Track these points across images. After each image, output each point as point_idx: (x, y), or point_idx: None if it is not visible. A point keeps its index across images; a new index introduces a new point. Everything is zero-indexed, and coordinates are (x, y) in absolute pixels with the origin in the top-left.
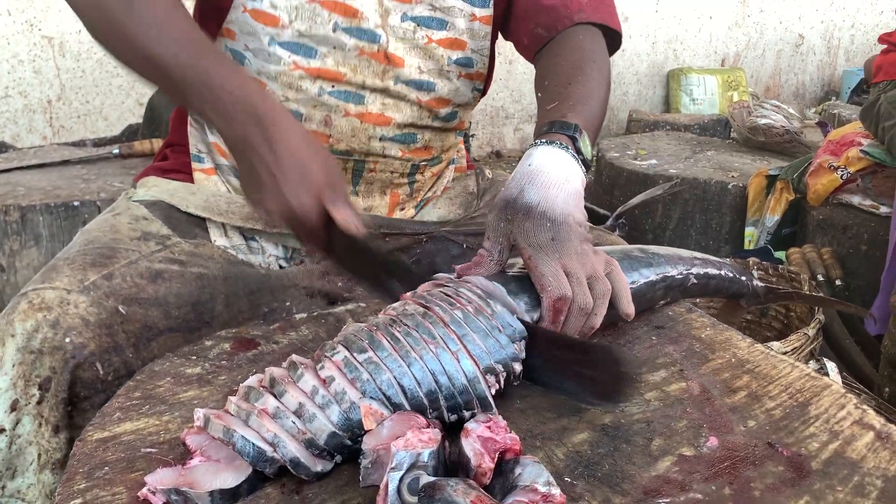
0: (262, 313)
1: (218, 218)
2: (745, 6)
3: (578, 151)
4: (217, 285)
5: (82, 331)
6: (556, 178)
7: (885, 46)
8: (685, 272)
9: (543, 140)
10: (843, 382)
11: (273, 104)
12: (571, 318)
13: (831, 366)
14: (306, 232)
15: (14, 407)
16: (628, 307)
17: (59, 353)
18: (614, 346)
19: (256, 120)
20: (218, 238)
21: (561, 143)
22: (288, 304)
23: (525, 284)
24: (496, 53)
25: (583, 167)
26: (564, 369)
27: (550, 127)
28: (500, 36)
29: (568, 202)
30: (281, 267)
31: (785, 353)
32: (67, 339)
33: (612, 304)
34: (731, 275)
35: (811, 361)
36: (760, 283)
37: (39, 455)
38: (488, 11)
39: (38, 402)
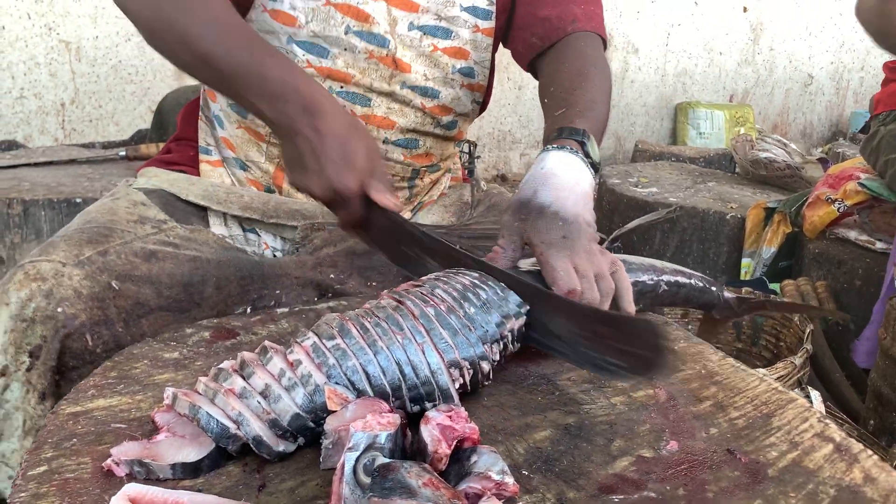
0: (251, 299)
1: (217, 207)
2: (755, 44)
3: (587, 155)
4: (209, 268)
5: (74, 302)
6: (567, 180)
7: (884, 76)
8: (655, 279)
9: (555, 145)
10: (826, 412)
11: (320, 91)
12: None
13: (815, 394)
14: (346, 211)
15: (4, 373)
16: (629, 306)
17: (51, 322)
18: (649, 319)
19: (304, 106)
20: (217, 227)
21: (571, 148)
22: (278, 292)
23: (534, 279)
24: (505, 78)
25: (591, 170)
26: (598, 343)
27: (560, 133)
28: (506, 58)
29: (578, 203)
30: (275, 257)
31: None
32: (59, 309)
33: (615, 303)
34: (700, 284)
35: (796, 390)
36: (731, 295)
37: (25, 421)
38: (491, 24)
39: (28, 370)
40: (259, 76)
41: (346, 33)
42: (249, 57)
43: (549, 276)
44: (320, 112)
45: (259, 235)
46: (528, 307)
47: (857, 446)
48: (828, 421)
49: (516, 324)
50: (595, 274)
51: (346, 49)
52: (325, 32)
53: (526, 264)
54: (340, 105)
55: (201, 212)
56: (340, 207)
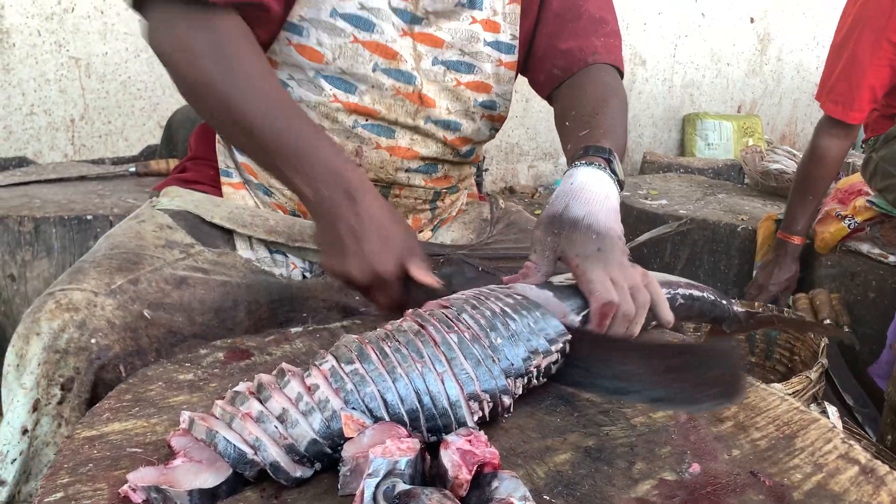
0: (279, 322)
1: (242, 230)
2: (762, 54)
3: (613, 172)
4: (240, 293)
5: (108, 333)
6: (597, 194)
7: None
8: (672, 293)
9: (583, 161)
10: (843, 427)
11: (361, 176)
12: (616, 323)
13: (832, 409)
14: (385, 294)
15: (35, 407)
16: (668, 315)
17: (85, 353)
18: (722, 345)
19: (346, 191)
20: (244, 250)
21: (599, 165)
22: (305, 314)
23: (570, 292)
24: (512, 91)
25: (618, 186)
26: (668, 376)
27: (587, 151)
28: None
29: (609, 216)
30: (304, 277)
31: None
32: (93, 341)
33: (652, 313)
34: (712, 298)
35: (813, 405)
36: (741, 308)
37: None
38: (513, 58)
39: (59, 403)
40: (306, 159)
41: (373, 71)
42: (297, 138)
43: (586, 288)
44: (361, 196)
45: (287, 256)
46: (559, 345)
47: (883, 468)
48: (852, 442)
49: (544, 361)
50: (630, 286)
51: (373, 86)
52: (353, 70)
53: (558, 280)
54: (377, 191)
55: (227, 234)
56: (380, 291)
